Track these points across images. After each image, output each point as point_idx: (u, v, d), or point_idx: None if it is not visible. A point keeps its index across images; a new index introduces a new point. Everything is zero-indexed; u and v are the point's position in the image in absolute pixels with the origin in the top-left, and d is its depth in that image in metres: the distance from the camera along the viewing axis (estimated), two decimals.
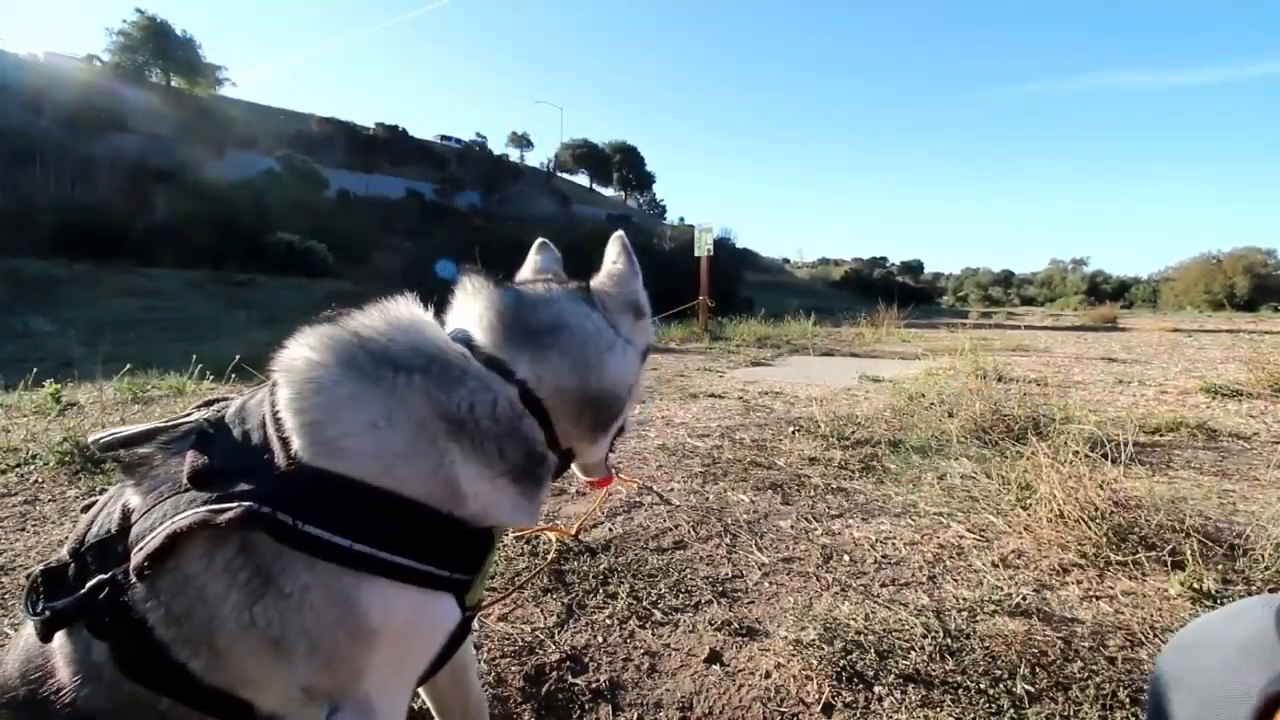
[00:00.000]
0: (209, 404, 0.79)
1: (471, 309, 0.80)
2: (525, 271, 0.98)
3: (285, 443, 0.65)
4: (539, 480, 0.78)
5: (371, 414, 0.67)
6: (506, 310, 0.79)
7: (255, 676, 0.65)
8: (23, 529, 2.05)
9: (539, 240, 1.03)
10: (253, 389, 0.76)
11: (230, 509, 0.60)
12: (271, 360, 0.71)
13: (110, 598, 0.64)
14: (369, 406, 0.67)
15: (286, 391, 0.68)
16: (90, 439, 0.78)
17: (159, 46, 36.52)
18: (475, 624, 1.04)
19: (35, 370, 4.01)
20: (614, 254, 0.92)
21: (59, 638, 0.67)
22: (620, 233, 0.93)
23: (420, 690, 1.00)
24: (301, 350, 0.70)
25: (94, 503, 0.76)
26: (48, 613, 0.66)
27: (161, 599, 0.63)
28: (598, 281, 0.90)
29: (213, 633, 0.63)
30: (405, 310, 0.78)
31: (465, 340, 0.77)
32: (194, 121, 33.19)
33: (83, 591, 0.65)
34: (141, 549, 0.63)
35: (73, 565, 0.69)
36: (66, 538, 0.76)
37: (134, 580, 0.63)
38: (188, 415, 0.75)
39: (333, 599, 0.62)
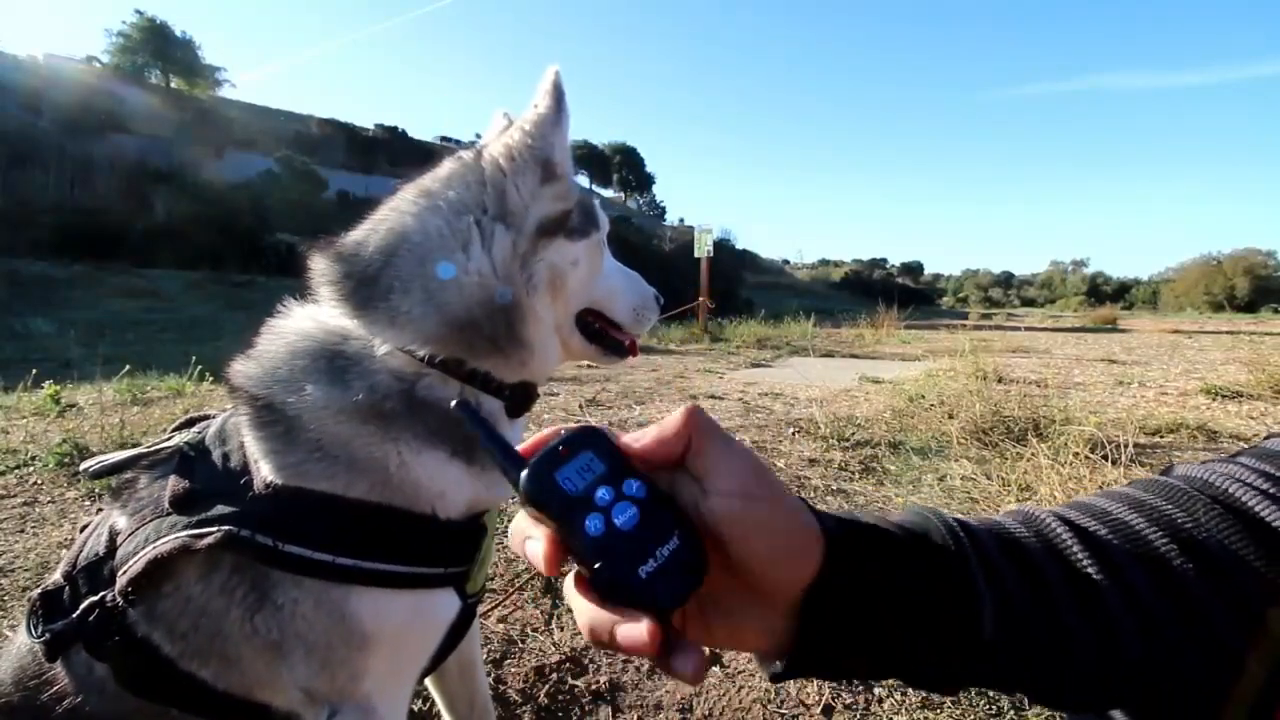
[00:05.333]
0: (190, 423, 0.78)
1: (318, 282, 0.72)
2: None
3: (258, 465, 0.65)
4: (475, 444, 0.69)
5: (308, 441, 0.65)
6: (332, 273, 0.70)
7: (268, 680, 0.66)
8: (22, 530, 2.04)
9: (501, 110, 0.86)
10: (231, 408, 0.76)
11: (210, 533, 0.61)
12: (227, 376, 0.70)
13: (100, 620, 0.65)
14: (304, 434, 0.65)
15: (245, 419, 0.67)
16: (81, 467, 0.77)
17: (158, 48, 36.56)
18: (476, 626, 1.04)
19: (34, 371, 4.01)
20: (539, 95, 0.73)
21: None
22: (554, 67, 0.73)
23: (429, 685, 1.01)
24: (238, 374, 0.69)
25: (90, 523, 0.76)
26: (48, 635, 0.66)
27: (166, 618, 0.64)
28: (505, 137, 0.74)
29: (222, 644, 0.64)
30: (303, 312, 0.73)
31: (335, 322, 0.70)
32: (193, 122, 33.20)
33: (75, 615, 0.66)
34: (125, 573, 0.63)
35: (66, 588, 0.69)
36: (65, 541, 0.76)
37: (120, 603, 0.64)
38: (169, 438, 0.74)
39: (323, 610, 0.62)
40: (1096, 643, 0.37)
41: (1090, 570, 0.38)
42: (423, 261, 0.68)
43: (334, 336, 0.69)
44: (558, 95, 0.73)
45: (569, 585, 0.36)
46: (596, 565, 0.34)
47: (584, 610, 0.34)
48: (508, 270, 0.70)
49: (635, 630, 0.32)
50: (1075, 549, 0.39)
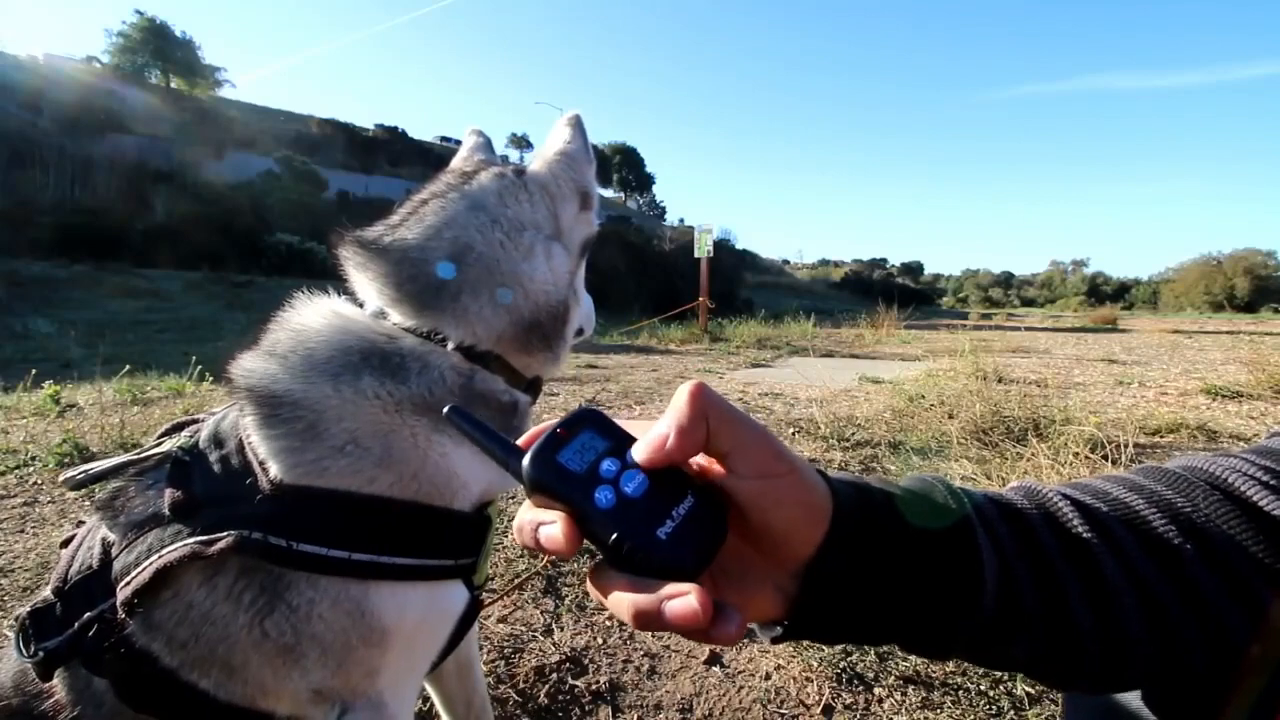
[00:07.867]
0: (177, 428, 0.77)
1: (367, 282, 0.74)
2: (455, 160, 0.90)
3: (265, 466, 0.64)
4: (516, 431, 0.72)
5: (339, 434, 0.64)
6: (393, 275, 0.72)
7: (273, 687, 0.64)
8: (22, 530, 2.05)
9: (471, 128, 0.94)
10: (221, 410, 0.75)
11: (221, 539, 0.59)
12: (228, 377, 0.69)
13: (101, 634, 0.63)
14: (336, 426, 0.64)
15: (253, 417, 0.66)
16: (60, 479, 0.77)
17: (158, 48, 36.53)
18: (475, 625, 1.04)
19: (35, 371, 4.01)
20: (566, 134, 0.82)
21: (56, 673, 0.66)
22: (576, 112, 0.83)
23: (427, 686, 1.00)
24: (251, 373, 0.68)
25: (72, 538, 0.74)
26: (41, 654, 0.65)
27: (165, 628, 0.63)
28: (540, 165, 0.81)
29: (226, 652, 0.62)
30: (323, 308, 0.74)
31: (383, 317, 0.72)
32: (193, 123, 33.14)
33: (73, 630, 0.64)
34: (128, 584, 0.62)
35: (58, 604, 0.67)
36: (65, 542, 0.75)
37: (122, 615, 0.62)
38: (157, 444, 0.73)
39: (341, 608, 0.62)
40: (1095, 619, 0.37)
41: (1089, 538, 0.38)
42: (490, 270, 0.73)
43: (380, 334, 0.70)
44: (584, 136, 0.83)
45: (592, 584, 0.36)
46: (614, 536, 0.33)
47: (623, 600, 0.33)
48: (566, 281, 0.80)
49: (685, 603, 0.31)
50: (1075, 521, 0.39)
